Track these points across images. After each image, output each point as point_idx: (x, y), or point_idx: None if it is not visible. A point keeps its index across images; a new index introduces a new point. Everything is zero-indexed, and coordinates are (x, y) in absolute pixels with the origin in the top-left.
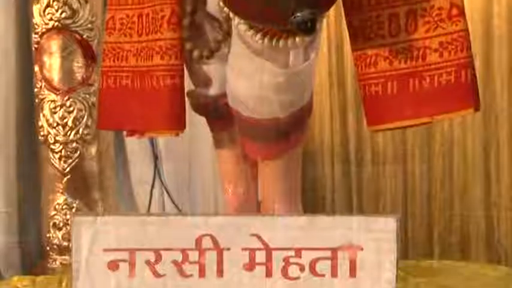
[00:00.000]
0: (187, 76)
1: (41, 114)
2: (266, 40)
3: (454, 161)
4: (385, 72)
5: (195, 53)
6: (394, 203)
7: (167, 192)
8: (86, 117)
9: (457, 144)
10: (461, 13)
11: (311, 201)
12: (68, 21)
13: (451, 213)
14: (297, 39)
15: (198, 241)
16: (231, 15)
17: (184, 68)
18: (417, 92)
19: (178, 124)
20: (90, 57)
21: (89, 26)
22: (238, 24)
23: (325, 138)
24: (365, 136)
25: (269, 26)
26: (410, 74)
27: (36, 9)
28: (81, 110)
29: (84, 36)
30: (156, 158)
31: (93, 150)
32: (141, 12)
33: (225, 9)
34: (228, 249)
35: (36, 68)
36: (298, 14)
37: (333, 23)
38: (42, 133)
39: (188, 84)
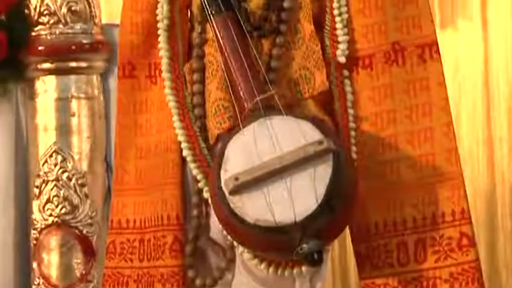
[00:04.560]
0: None
1: None
2: (271, 269)
3: None
4: None
5: (198, 281)
6: None
7: None
8: None
9: None
10: (472, 243)
11: None
12: (68, 217)
13: None
14: (303, 268)
15: None
16: (235, 243)
17: None
18: None
19: None
20: (89, 253)
21: (89, 221)
22: (242, 253)
23: None
24: None
25: (274, 256)
26: None
27: (35, 205)
28: None
29: (84, 232)
30: None
31: None
32: (143, 238)
33: (229, 236)
34: None
35: (35, 265)
36: (305, 246)
37: None
38: None
39: None
